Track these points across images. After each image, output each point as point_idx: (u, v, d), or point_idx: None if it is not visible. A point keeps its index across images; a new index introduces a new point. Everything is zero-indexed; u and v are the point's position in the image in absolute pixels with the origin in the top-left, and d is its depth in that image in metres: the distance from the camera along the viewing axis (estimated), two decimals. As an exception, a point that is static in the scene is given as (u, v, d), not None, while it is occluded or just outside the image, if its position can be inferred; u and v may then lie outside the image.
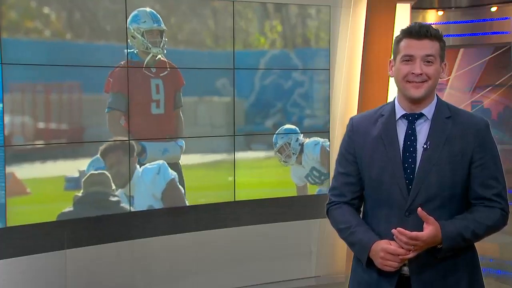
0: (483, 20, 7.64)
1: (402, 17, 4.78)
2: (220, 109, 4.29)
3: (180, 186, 4.10)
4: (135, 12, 3.87)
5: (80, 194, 3.76)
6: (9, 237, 3.59)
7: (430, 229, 1.78)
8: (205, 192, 4.27)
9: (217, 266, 4.33)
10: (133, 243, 4.04)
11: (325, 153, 4.57)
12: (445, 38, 1.92)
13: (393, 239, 1.81)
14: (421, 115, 1.90)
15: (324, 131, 4.57)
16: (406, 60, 1.86)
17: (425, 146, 1.87)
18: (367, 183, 1.95)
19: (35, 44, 3.61)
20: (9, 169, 3.54)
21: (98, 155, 3.80)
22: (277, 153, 4.46)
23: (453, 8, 7.81)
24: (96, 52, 3.79)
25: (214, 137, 4.26)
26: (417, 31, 1.85)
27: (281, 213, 4.52)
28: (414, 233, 1.76)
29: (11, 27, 3.53)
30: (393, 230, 1.79)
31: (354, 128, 2.00)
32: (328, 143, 4.57)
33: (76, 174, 3.77)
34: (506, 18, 7.50)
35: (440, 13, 7.83)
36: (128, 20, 3.84)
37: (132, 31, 3.86)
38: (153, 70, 3.96)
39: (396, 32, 1.97)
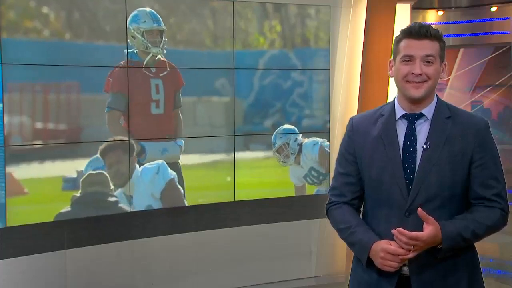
0: (483, 20, 7.63)
1: (402, 17, 4.78)
2: (220, 109, 4.29)
3: (179, 186, 4.10)
4: (135, 12, 3.87)
5: (78, 194, 3.76)
6: (9, 237, 3.59)
7: (430, 229, 1.78)
8: (205, 192, 4.27)
9: (217, 266, 4.33)
10: (133, 243, 4.04)
11: (323, 153, 4.57)
12: (445, 38, 1.92)
13: (393, 239, 1.81)
14: (421, 115, 1.90)
15: (323, 131, 4.57)
16: (406, 60, 1.86)
17: (425, 146, 1.87)
18: (367, 183, 1.95)
19: (35, 44, 3.61)
20: (7, 169, 3.53)
21: (98, 155, 3.79)
22: (276, 153, 4.46)
23: (453, 8, 7.81)
24: (96, 52, 3.79)
25: (214, 137, 4.26)
26: (417, 31, 1.85)
27: (281, 213, 4.52)
28: (414, 233, 1.76)
29: (11, 27, 3.52)
30: (393, 230, 1.79)
31: (354, 128, 2.00)
32: (327, 143, 4.57)
33: (74, 175, 3.76)
34: (506, 18, 7.50)
35: (440, 13, 7.83)
36: (128, 20, 3.84)
37: (132, 31, 3.86)
38: (153, 70, 3.96)
39: (396, 32, 1.97)
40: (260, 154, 4.44)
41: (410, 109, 1.91)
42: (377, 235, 1.89)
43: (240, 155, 4.32)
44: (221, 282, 4.33)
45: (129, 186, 3.89)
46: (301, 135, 4.50)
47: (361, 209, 2.04)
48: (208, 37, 4.18)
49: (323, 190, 4.53)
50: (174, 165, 4.07)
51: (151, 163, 3.98)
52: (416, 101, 1.89)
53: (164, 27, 3.96)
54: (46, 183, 3.69)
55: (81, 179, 3.76)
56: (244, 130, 4.34)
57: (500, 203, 1.88)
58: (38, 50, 3.62)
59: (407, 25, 1.91)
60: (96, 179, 3.79)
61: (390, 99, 3.07)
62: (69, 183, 3.75)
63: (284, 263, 4.53)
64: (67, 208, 3.72)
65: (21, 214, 3.61)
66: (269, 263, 4.48)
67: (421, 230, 1.78)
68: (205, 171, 4.27)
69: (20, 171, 3.58)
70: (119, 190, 3.88)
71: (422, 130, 1.89)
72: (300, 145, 4.50)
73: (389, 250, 1.81)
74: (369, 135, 1.94)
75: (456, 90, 8.89)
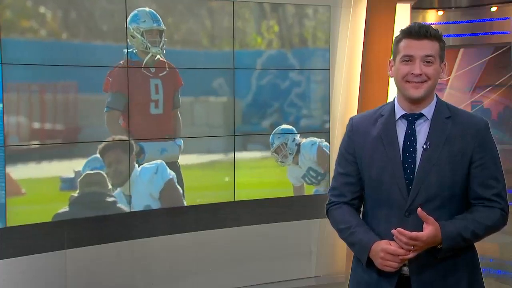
0: (483, 20, 7.63)
1: (402, 17, 4.78)
2: (219, 109, 4.29)
3: (178, 186, 4.09)
4: (134, 12, 3.87)
5: (75, 194, 3.75)
6: (9, 237, 3.59)
7: (430, 229, 1.78)
8: (204, 192, 4.27)
9: (217, 266, 4.33)
10: (133, 243, 4.04)
11: (322, 153, 4.57)
12: (445, 38, 1.92)
13: (393, 239, 1.81)
14: (420, 115, 1.90)
15: (322, 131, 4.57)
16: (405, 61, 1.86)
17: (424, 146, 1.87)
18: (367, 183, 1.96)
19: (35, 44, 3.61)
20: (6, 170, 3.53)
21: (97, 155, 3.79)
22: (274, 153, 4.45)
23: (453, 8, 7.80)
24: (96, 52, 3.79)
25: (214, 137, 4.25)
26: (416, 31, 1.85)
27: (281, 213, 4.52)
28: (414, 233, 1.76)
29: (10, 27, 3.52)
30: (393, 231, 1.79)
31: (354, 128, 2.00)
32: (325, 143, 4.57)
33: (72, 175, 3.75)
34: (506, 18, 7.49)
35: (440, 13, 7.83)
36: (128, 19, 3.84)
37: (132, 30, 3.86)
38: (152, 70, 3.96)
39: (396, 32, 1.97)
40: (258, 154, 4.43)
41: (410, 109, 1.91)
42: (377, 235, 1.88)
43: (239, 155, 4.32)
44: (221, 282, 4.33)
45: (129, 186, 3.89)
46: (299, 135, 4.49)
47: (361, 209, 2.04)
48: (208, 37, 4.18)
49: (321, 190, 4.53)
50: (173, 165, 4.07)
51: (150, 163, 3.98)
52: (416, 101, 1.89)
53: (164, 27, 3.96)
54: (44, 184, 3.69)
55: (79, 179, 3.75)
56: (243, 130, 4.34)
57: (500, 203, 1.88)
58: (38, 50, 3.62)
59: (407, 25, 1.91)
60: (94, 179, 3.78)
61: (390, 99, 3.07)
62: (67, 183, 3.75)
63: (284, 263, 4.53)
64: (65, 209, 3.72)
65: (20, 214, 3.61)
66: (269, 263, 4.48)
67: (421, 230, 1.78)
68: (205, 171, 4.27)
69: (18, 171, 3.58)
70: (118, 190, 3.88)
71: (422, 130, 1.89)
72: (298, 145, 4.50)
73: (389, 250, 1.81)
74: (369, 135, 1.94)
75: (456, 90, 8.89)
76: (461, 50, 8.60)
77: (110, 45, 3.83)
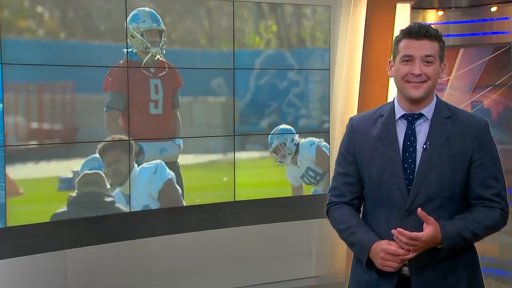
0: (483, 20, 7.63)
1: (402, 17, 4.78)
2: (219, 109, 4.29)
3: (177, 186, 4.09)
4: (134, 12, 3.87)
5: (74, 194, 3.75)
6: (9, 237, 3.59)
7: (430, 230, 1.77)
8: (204, 192, 4.27)
9: (217, 266, 4.33)
10: (133, 243, 4.04)
11: (320, 153, 4.56)
12: (445, 38, 1.92)
13: (393, 239, 1.81)
14: (420, 115, 1.90)
15: (321, 131, 4.56)
16: (405, 61, 1.86)
17: (424, 146, 1.87)
18: (367, 183, 1.95)
19: (35, 44, 3.61)
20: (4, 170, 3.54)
21: (96, 155, 3.79)
22: (273, 153, 4.45)
23: (453, 8, 7.80)
24: (96, 52, 3.79)
25: (213, 137, 4.25)
26: (416, 32, 1.84)
27: (281, 213, 4.52)
28: (414, 234, 1.76)
29: (10, 27, 3.52)
30: (393, 231, 1.79)
31: (353, 128, 2.00)
32: (324, 143, 4.57)
33: (70, 175, 3.75)
34: (506, 18, 7.49)
35: (440, 13, 7.82)
36: (128, 19, 3.84)
37: (132, 30, 3.86)
38: (152, 70, 3.96)
39: (396, 32, 1.97)
40: (256, 154, 4.43)
41: (409, 109, 1.91)
42: (377, 235, 1.88)
43: (237, 155, 4.31)
44: (221, 282, 4.33)
45: (129, 186, 3.89)
46: (298, 135, 4.49)
47: (361, 209, 2.04)
48: (206, 37, 4.18)
49: (320, 190, 4.53)
50: (173, 165, 4.07)
51: (149, 162, 3.97)
52: (416, 101, 1.88)
53: (164, 27, 3.96)
54: (42, 184, 3.69)
55: (77, 179, 3.75)
56: (242, 130, 4.34)
57: (500, 203, 1.88)
58: (38, 50, 3.62)
59: (407, 25, 1.91)
60: (92, 179, 3.77)
61: (390, 99, 3.06)
62: (65, 183, 3.74)
63: (284, 263, 4.52)
64: (63, 209, 3.71)
65: (20, 214, 3.61)
66: (269, 263, 4.48)
67: (421, 230, 1.78)
68: (204, 171, 4.27)
69: (17, 171, 3.57)
70: (117, 190, 3.87)
71: (422, 130, 1.89)
72: (297, 145, 4.50)
73: (389, 251, 1.81)
74: (369, 135, 1.94)
75: (456, 90, 8.88)
76: (461, 50, 8.60)
77: (110, 45, 3.83)
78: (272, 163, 4.46)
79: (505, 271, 5.25)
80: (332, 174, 2.13)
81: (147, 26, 3.90)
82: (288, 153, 4.48)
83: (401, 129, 1.91)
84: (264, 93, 4.38)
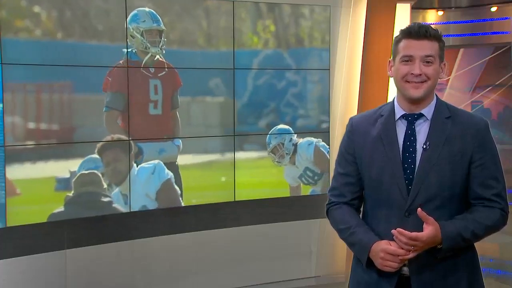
0: (483, 20, 7.63)
1: (402, 17, 4.78)
2: (218, 109, 4.28)
3: (176, 187, 4.08)
4: (134, 12, 3.87)
5: (71, 194, 3.74)
6: (9, 237, 3.59)
7: (429, 230, 1.78)
8: (204, 192, 4.27)
9: (217, 266, 4.33)
10: (133, 243, 4.03)
11: (319, 153, 4.55)
12: (445, 38, 1.92)
13: (393, 239, 1.81)
14: (420, 115, 1.90)
15: (319, 131, 4.56)
16: (405, 61, 1.86)
17: (424, 147, 1.87)
18: (366, 183, 1.96)
19: (36, 44, 3.61)
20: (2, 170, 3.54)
21: (94, 155, 3.78)
22: (271, 153, 4.44)
23: (453, 8, 7.80)
24: (96, 52, 3.79)
25: (213, 137, 4.25)
26: (416, 32, 1.85)
27: (281, 213, 4.52)
28: (414, 234, 1.76)
29: (10, 27, 3.52)
30: (393, 231, 1.79)
31: (353, 128, 2.00)
32: (322, 143, 4.56)
33: (67, 175, 3.74)
34: (506, 18, 7.49)
35: (440, 13, 7.82)
36: (128, 19, 3.84)
37: (132, 30, 3.86)
38: (152, 70, 3.96)
39: (396, 32, 1.97)
40: (254, 154, 4.42)
41: (409, 109, 1.91)
42: (377, 235, 1.89)
43: (237, 155, 4.31)
44: (221, 282, 4.33)
45: (129, 186, 3.89)
46: (296, 135, 4.48)
47: (361, 209, 2.04)
48: (205, 37, 4.18)
49: (318, 190, 4.53)
50: (172, 166, 4.06)
51: (148, 163, 3.97)
52: (416, 101, 1.89)
53: (164, 27, 3.96)
54: (39, 184, 3.68)
55: (73, 180, 3.74)
56: (240, 130, 4.33)
57: (500, 203, 1.88)
58: (38, 50, 3.61)
59: (407, 25, 1.91)
60: (89, 179, 3.76)
61: (390, 99, 3.06)
62: (62, 184, 3.74)
63: (284, 263, 4.52)
64: (60, 209, 3.71)
65: (20, 214, 3.61)
66: (269, 263, 4.48)
67: (421, 230, 1.78)
68: (203, 171, 4.27)
69: (14, 171, 3.57)
70: (116, 190, 3.87)
71: (422, 130, 1.89)
72: (295, 145, 4.49)
73: (389, 251, 1.81)
74: (369, 135, 1.94)
75: (456, 90, 8.88)
76: (461, 50, 8.60)
77: (110, 45, 3.83)
78: (270, 163, 4.45)
79: (505, 271, 5.25)
80: (331, 174, 2.13)
81: (147, 26, 3.90)
82: (286, 153, 4.47)
83: (401, 129, 1.91)
84: (263, 93, 4.38)
